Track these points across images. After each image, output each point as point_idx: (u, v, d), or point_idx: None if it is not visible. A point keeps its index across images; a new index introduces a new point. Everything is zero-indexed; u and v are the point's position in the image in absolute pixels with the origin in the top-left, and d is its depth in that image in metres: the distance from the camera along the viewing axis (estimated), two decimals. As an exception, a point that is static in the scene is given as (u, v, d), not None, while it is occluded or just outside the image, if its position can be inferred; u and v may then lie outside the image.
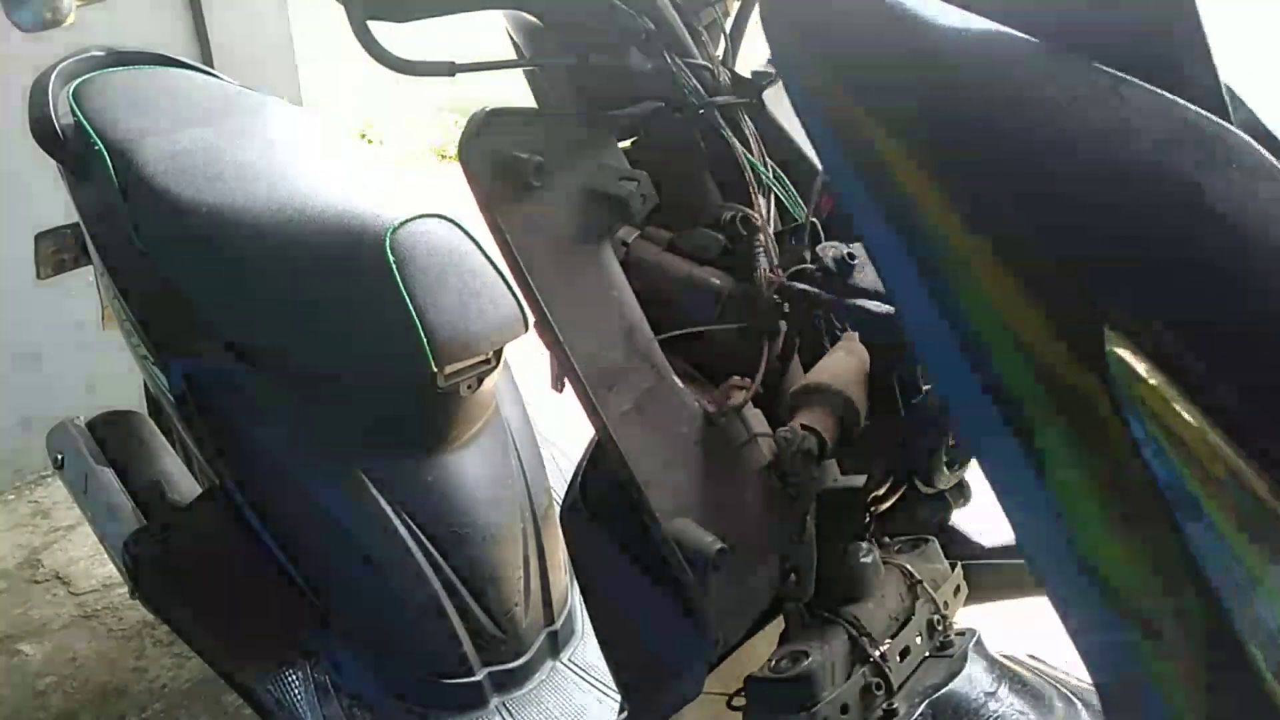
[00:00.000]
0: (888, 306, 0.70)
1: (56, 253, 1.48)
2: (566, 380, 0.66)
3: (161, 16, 2.30)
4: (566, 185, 0.70)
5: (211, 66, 1.82)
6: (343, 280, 1.14)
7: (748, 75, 0.85)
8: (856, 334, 0.73)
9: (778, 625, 0.73)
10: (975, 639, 0.75)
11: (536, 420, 1.42)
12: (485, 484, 1.25)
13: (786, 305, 0.70)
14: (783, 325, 0.73)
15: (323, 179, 1.23)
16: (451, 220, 1.15)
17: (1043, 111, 0.48)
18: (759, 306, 0.71)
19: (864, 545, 0.74)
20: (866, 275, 0.70)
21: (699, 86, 0.76)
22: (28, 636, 1.83)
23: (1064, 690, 0.73)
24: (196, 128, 1.30)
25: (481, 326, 1.12)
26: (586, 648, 1.33)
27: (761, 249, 0.72)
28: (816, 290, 0.68)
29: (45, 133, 1.30)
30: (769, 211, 0.77)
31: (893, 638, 0.72)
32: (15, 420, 2.28)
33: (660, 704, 0.71)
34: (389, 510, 1.19)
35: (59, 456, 1.56)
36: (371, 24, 0.68)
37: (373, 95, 6.78)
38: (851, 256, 0.70)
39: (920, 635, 0.73)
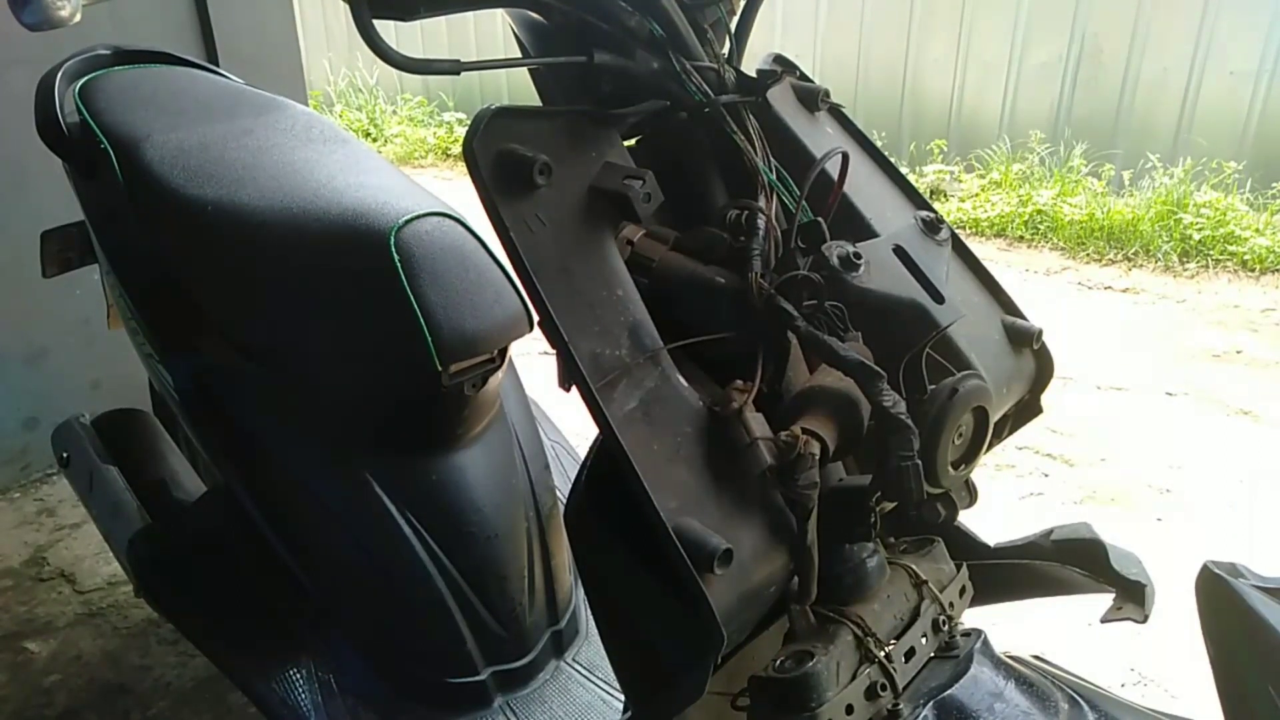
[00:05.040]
0: (891, 307, 0.70)
1: (62, 251, 1.49)
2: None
3: (167, 15, 2.30)
4: (572, 184, 0.70)
5: (217, 65, 1.82)
6: (348, 278, 1.14)
7: (752, 74, 0.85)
8: (859, 335, 0.73)
9: (782, 625, 0.73)
10: (981, 640, 0.74)
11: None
12: (490, 483, 1.25)
13: (785, 302, 0.70)
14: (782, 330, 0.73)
15: (328, 177, 1.23)
16: (456, 218, 1.15)
17: None
18: (752, 312, 0.71)
19: (869, 545, 0.74)
20: (871, 275, 0.70)
21: (704, 86, 0.76)
22: (33, 634, 1.84)
23: (1069, 691, 0.73)
24: (202, 126, 1.30)
25: (486, 325, 1.12)
26: (590, 647, 1.33)
27: (757, 253, 0.72)
28: (793, 310, 0.68)
29: (51, 131, 1.30)
30: (771, 211, 0.77)
31: (898, 638, 0.71)
32: (21, 418, 2.29)
33: (664, 704, 0.71)
34: (393, 509, 1.19)
35: (64, 455, 1.56)
36: (377, 22, 0.68)
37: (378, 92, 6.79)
38: (857, 256, 0.69)
39: (925, 636, 0.73)
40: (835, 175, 0.77)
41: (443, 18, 0.73)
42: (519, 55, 0.81)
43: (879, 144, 0.94)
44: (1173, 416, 2.66)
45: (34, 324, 2.22)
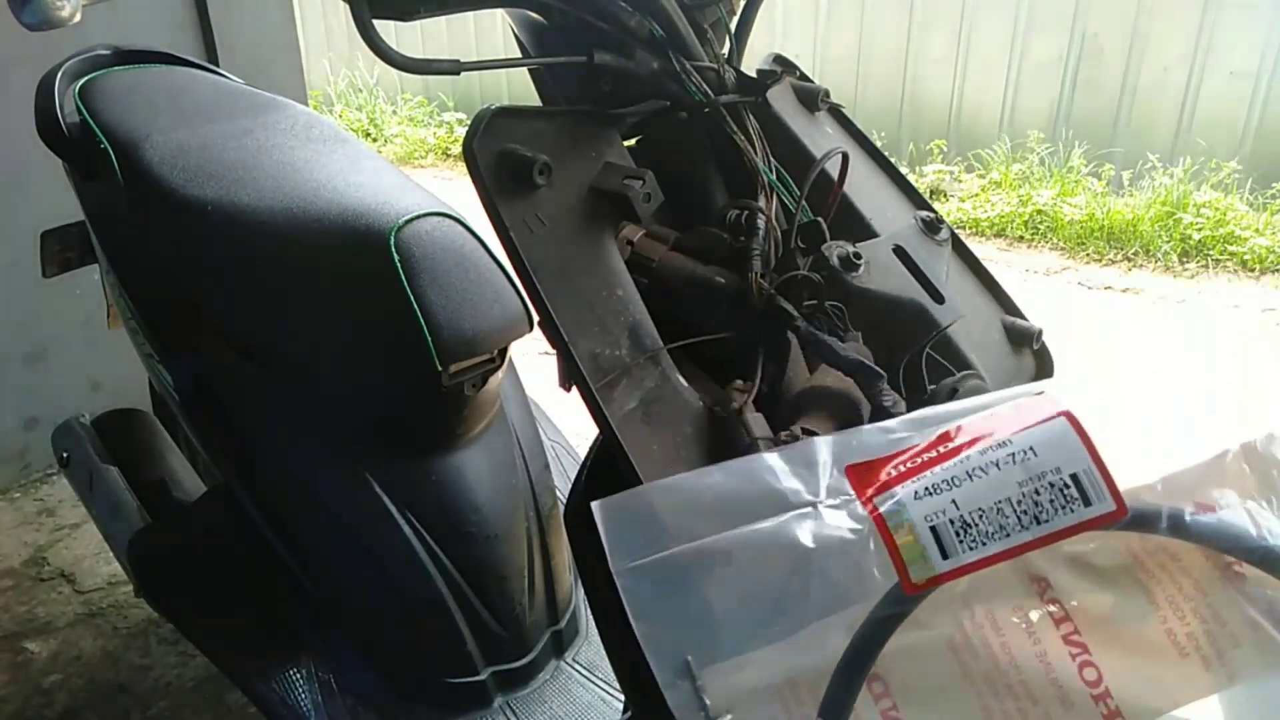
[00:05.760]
0: (891, 307, 0.70)
1: (62, 251, 1.49)
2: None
3: (167, 15, 2.30)
4: (571, 184, 0.70)
5: (217, 65, 1.82)
6: (348, 278, 1.14)
7: (752, 74, 0.85)
8: (859, 335, 0.73)
9: (782, 625, 0.72)
10: (981, 639, 0.74)
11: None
12: (490, 483, 1.25)
13: (785, 302, 0.70)
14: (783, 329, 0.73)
15: (328, 177, 1.23)
16: (456, 218, 1.15)
17: None
18: (752, 312, 0.71)
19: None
20: (871, 275, 0.70)
21: (704, 86, 0.76)
22: (33, 634, 1.84)
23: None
24: (202, 126, 1.30)
25: (486, 325, 1.12)
26: (590, 647, 1.33)
27: (757, 253, 0.72)
28: (793, 310, 0.68)
29: (51, 131, 1.30)
30: (771, 211, 0.77)
31: (898, 638, 0.71)
32: (21, 418, 2.29)
33: (665, 704, 0.71)
34: (393, 509, 1.19)
35: (64, 455, 1.56)
36: (377, 22, 0.68)
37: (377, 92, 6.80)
38: (857, 256, 0.70)
39: (925, 636, 0.73)
40: (835, 175, 0.77)
41: (443, 18, 0.73)
42: (519, 55, 0.81)
43: (879, 144, 0.94)
44: (1173, 416, 2.66)
45: (34, 324, 2.21)
